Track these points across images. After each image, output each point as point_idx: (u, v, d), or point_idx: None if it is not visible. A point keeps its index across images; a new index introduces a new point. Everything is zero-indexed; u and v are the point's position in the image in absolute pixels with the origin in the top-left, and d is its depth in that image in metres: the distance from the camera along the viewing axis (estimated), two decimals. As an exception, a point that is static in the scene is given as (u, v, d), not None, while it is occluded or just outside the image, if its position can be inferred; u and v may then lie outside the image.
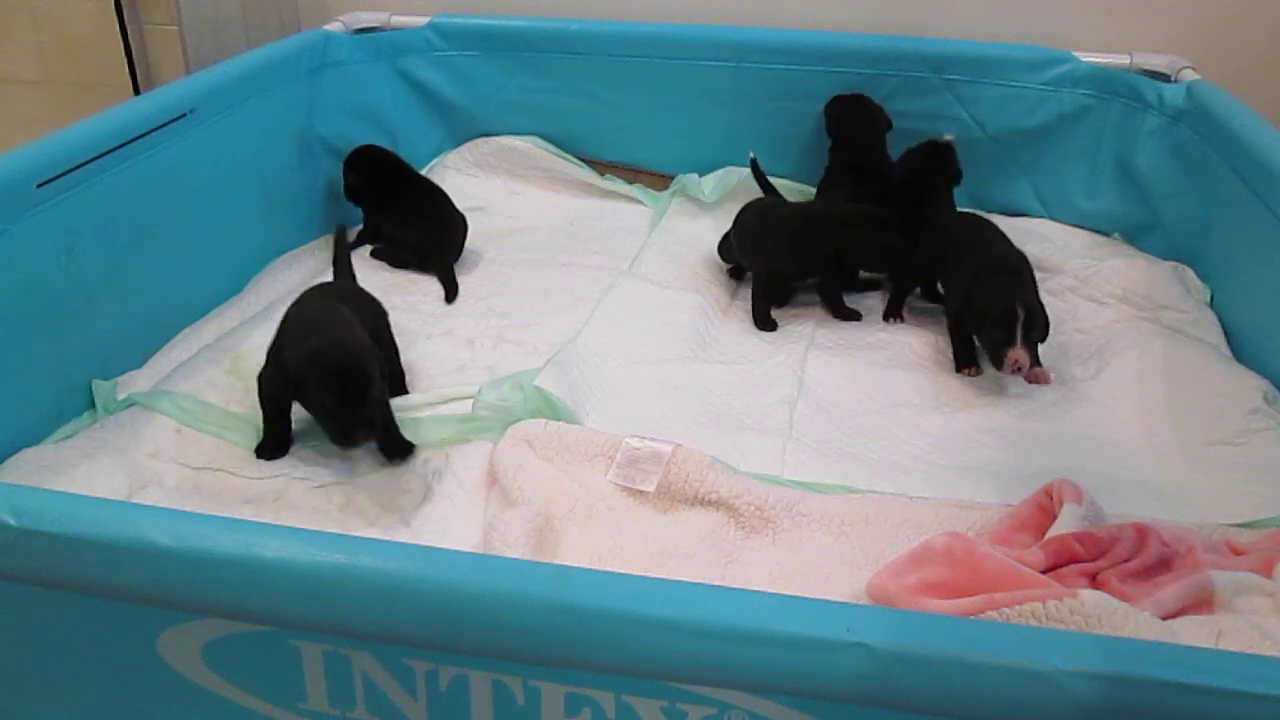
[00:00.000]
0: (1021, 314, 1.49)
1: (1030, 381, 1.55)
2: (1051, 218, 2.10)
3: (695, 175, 2.18)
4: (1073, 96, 2.04)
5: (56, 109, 2.10)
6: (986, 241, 1.71)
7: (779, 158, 2.13)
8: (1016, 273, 1.61)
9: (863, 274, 1.87)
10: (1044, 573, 1.12)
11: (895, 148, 2.08)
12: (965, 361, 1.62)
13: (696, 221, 2.09)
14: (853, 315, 1.78)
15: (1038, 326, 1.53)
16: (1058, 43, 2.06)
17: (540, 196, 2.23)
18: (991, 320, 1.52)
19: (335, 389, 1.26)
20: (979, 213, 1.92)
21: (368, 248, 1.96)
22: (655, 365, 1.61)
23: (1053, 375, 1.56)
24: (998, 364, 1.52)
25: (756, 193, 2.00)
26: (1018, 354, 1.49)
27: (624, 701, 0.84)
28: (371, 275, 1.87)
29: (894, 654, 0.74)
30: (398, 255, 1.92)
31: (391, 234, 1.94)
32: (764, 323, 1.74)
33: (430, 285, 1.86)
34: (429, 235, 1.90)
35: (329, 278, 1.68)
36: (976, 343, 1.61)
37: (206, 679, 0.91)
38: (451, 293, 1.82)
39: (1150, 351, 1.62)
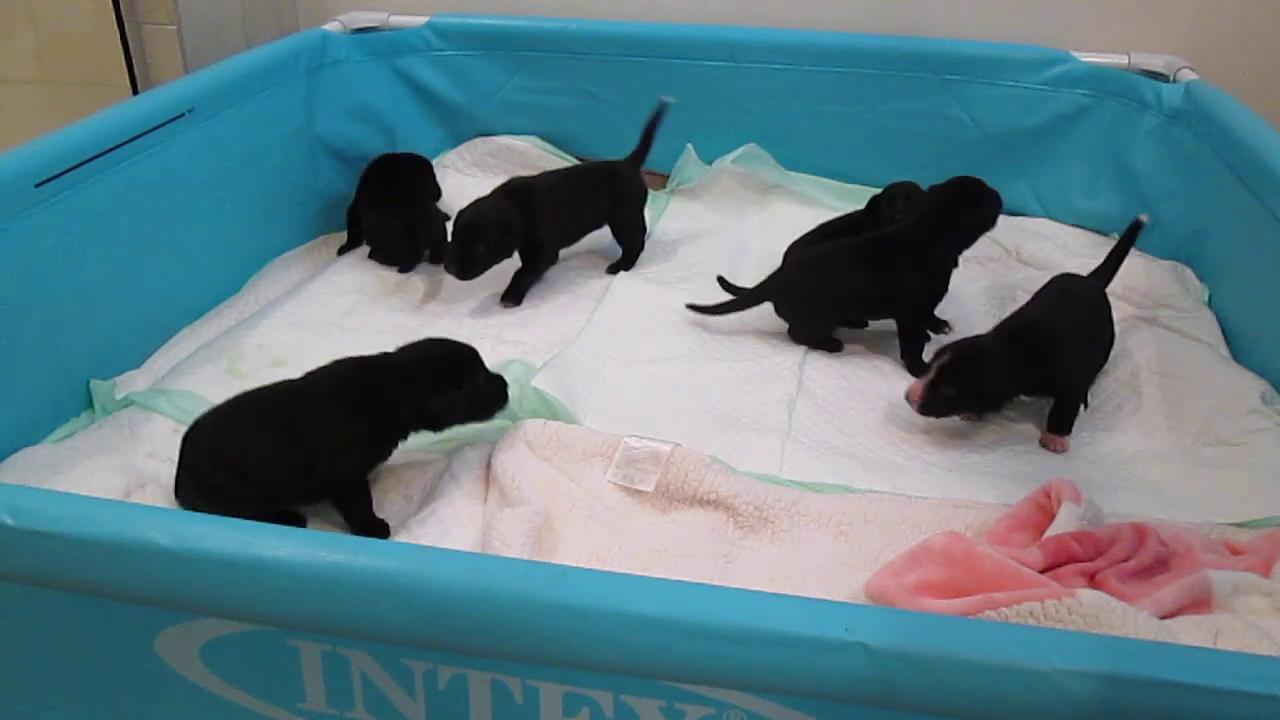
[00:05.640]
0: (946, 356, 1.40)
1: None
2: (1050, 217, 2.10)
3: (690, 148, 2.17)
4: (1071, 96, 2.04)
5: (55, 109, 2.10)
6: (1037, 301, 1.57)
7: (778, 157, 2.14)
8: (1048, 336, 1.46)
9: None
10: (1042, 572, 1.12)
11: (894, 149, 2.09)
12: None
13: (696, 220, 2.09)
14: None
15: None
16: (1056, 43, 2.06)
17: (539, 196, 2.23)
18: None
19: None
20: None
21: (366, 248, 1.96)
22: (654, 365, 1.61)
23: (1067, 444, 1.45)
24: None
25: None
26: (912, 386, 1.43)
27: (622, 701, 0.84)
28: (370, 275, 1.87)
29: (893, 654, 0.74)
30: (394, 255, 1.91)
31: (371, 227, 1.94)
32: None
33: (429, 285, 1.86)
34: (403, 229, 1.89)
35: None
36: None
37: (205, 679, 0.91)
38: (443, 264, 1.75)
39: (1149, 352, 1.62)
